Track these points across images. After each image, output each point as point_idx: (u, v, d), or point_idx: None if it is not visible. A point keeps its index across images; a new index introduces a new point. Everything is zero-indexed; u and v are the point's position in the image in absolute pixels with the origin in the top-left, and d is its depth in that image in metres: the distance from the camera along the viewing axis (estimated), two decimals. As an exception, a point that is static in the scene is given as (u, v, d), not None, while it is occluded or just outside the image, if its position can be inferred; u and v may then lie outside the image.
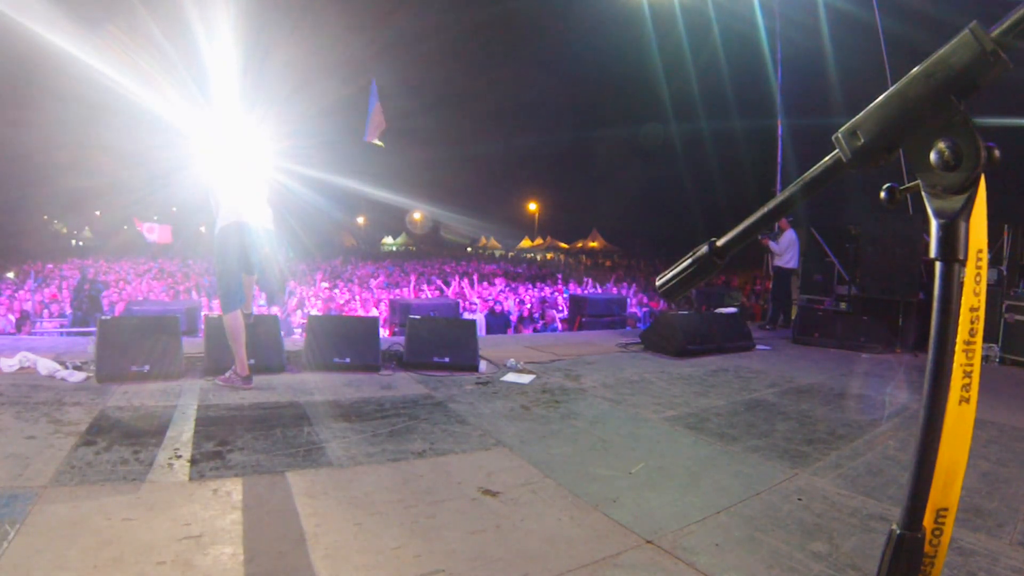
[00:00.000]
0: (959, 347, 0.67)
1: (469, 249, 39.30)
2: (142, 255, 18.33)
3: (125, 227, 31.65)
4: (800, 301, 8.56)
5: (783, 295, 8.75)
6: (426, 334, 4.95)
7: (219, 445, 2.86)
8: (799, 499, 2.55)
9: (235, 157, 4.22)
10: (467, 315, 9.07)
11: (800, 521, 2.33)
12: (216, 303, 5.95)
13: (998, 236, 6.88)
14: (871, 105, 0.66)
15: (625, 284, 15.13)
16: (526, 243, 40.31)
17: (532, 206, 44.49)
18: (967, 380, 0.68)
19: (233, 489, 2.37)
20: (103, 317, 4.76)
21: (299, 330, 7.50)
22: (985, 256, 0.68)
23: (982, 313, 0.69)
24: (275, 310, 6.84)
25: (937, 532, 0.69)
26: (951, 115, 0.61)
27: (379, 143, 10.70)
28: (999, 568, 2.00)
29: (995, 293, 6.37)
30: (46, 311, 9.67)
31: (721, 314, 6.97)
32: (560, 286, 14.19)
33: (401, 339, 5.16)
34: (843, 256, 8.28)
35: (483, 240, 40.47)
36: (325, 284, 12.82)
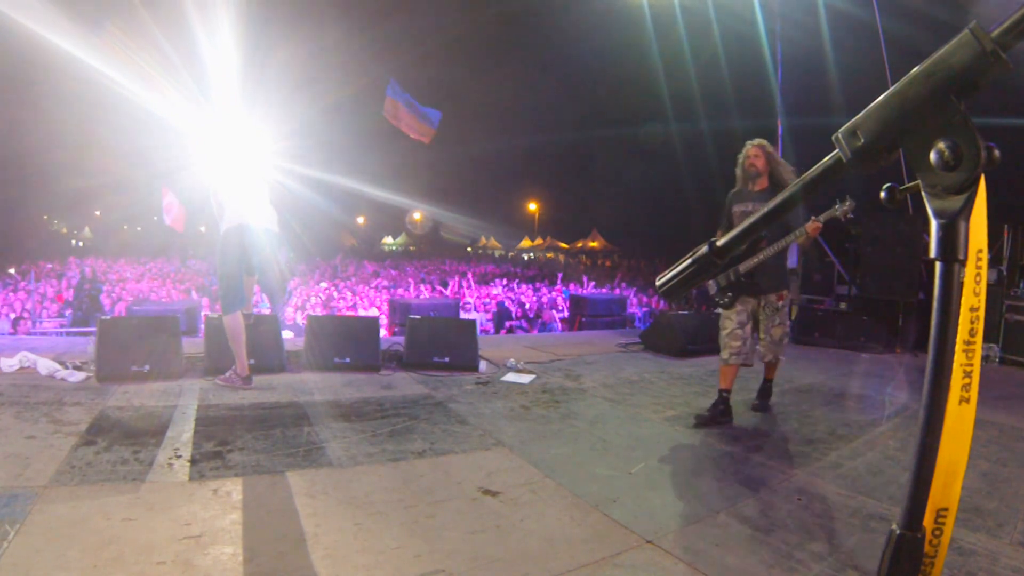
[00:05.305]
0: (959, 347, 0.67)
1: (469, 249, 39.23)
2: (143, 254, 18.28)
3: (125, 227, 31.63)
4: (800, 301, 8.56)
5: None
6: (426, 334, 4.95)
7: (219, 445, 2.86)
8: (799, 499, 2.55)
9: (236, 158, 4.23)
10: (472, 314, 9.05)
11: (800, 521, 2.33)
12: (216, 304, 5.96)
13: (998, 236, 6.88)
14: (871, 105, 0.66)
15: (624, 284, 15.13)
16: (526, 243, 40.25)
17: (532, 206, 44.43)
18: (967, 380, 0.68)
19: (233, 489, 2.37)
20: (103, 317, 4.76)
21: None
22: (985, 256, 0.68)
23: (982, 313, 0.69)
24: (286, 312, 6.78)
25: (937, 532, 0.69)
26: (951, 115, 0.61)
27: (423, 137, 9.06)
28: (999, 568, 2.00)
29: (995, 293, 6.36)
30: (45, 312, 9.67)
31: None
32: (560, 286, 14.19)
33: (401, 339, 5.16)
34: (843, 256, 8.27)
35: (483, 240, 40.39)
36: (324, 284, 12.81)
